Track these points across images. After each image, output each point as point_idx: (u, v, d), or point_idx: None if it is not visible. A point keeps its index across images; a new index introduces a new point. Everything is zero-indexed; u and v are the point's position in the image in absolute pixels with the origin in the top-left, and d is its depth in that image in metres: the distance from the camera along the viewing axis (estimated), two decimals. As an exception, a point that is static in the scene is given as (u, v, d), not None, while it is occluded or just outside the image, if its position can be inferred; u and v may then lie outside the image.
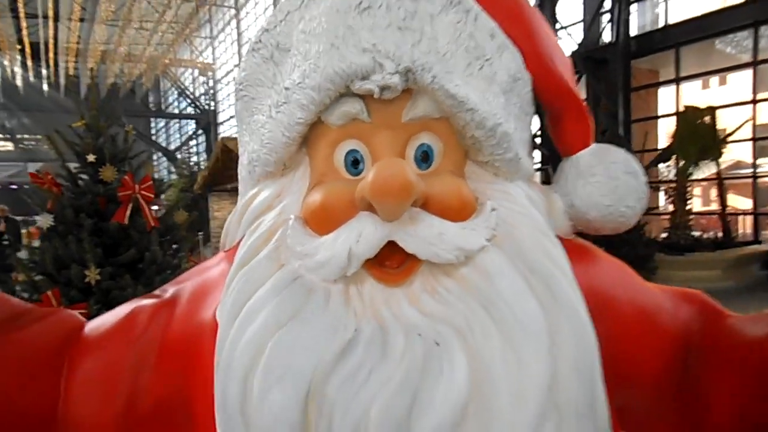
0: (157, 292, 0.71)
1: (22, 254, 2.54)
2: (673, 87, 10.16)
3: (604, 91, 9.94)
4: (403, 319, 0.53)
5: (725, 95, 11.06)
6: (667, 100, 10.57)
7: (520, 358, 0.50)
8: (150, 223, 2.40)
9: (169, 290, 0.70)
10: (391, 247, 0.53)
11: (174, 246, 2.53)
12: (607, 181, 0.68)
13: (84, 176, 2.41)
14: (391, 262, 0.54)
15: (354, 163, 0.59)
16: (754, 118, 8.51)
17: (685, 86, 10.73)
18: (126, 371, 0.62)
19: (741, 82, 9.65)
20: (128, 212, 2.32)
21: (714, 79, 16.26)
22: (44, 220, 2.27)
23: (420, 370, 0.49)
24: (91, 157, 2.39)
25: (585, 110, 0.73)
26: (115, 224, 2.28)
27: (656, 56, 9.99)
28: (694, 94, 12.91)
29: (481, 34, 0.62)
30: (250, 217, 0.65)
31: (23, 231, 9.00)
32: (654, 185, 8.81)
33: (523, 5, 0.70)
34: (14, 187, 47.78)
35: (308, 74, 0.57)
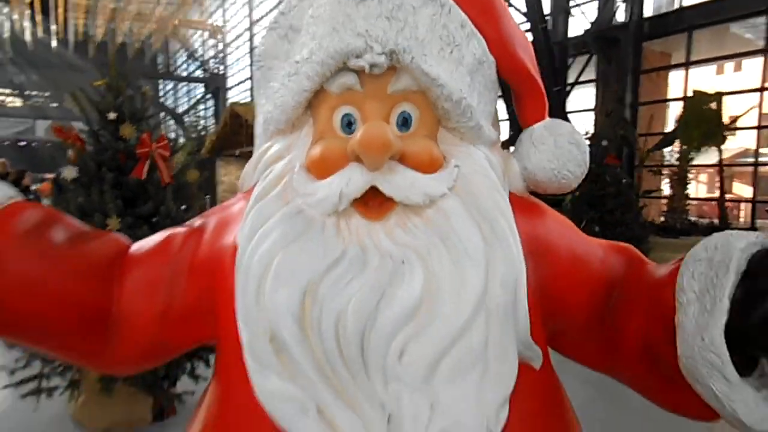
0: (187, 222, 0.89)
1: (45, 203, 2.73)
2: (684, 71, 10.09)
3: (613, 72, 9.91)
4: (379, 246, 0.69)
5: (739, 81, 10.94)
6: (677, 84, 10.52)
7: (463, 275, 0.67)
8: (165, 179, 2.58)
9: (197, 221, 0.87)
10: (373, 191, 0.69)
11: (185, 204, 2.72)
12: (554, 149, 0.84)
13: (104, 133, 2.57)
14: (373, 202, 0.71)
15: (348, 125, 0.75)
16: (760, 105, 8.51)
17: (698, 71, 10.66)
18: (164, 282, 0.79)
19: (755, 69, 9.57)
20: (146, 168, 2.50)
21: (729, 65, 16.02)
22: (69, 172, 2.46)
23: (388, 279, 0.66)
24: (111, 115, 2.56)
25: (541, 90, 0.88)
26: (134, 179, 2.46)
27: (669, 39, 9.90)
28: (708, 79, 12.76)
29: (453, 24, 0.77)
30: (263, 165, 0.82)
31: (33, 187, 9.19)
32: (656, 169, 8.87)
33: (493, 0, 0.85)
34: (23, 143, 47.86)
35: (314, 51, 0.73)
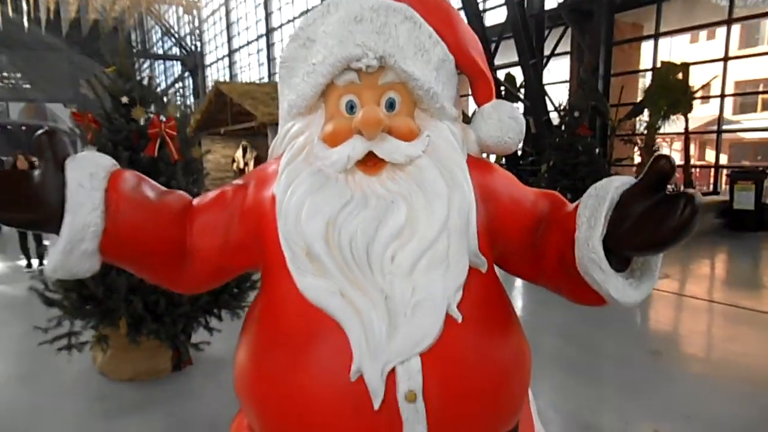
0: (234, 181, 1.21)
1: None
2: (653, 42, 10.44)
3: (587, 43, 10.22)
4: (375, 192, 1.03)
5: (712, 49, 11.29)
6: (650, 54, 10.87)
7: (432, 208, 1.01)
8: (174, 156, 2.87)
9: (241, 180, 1.20)
10: (370, 154, 1.03)
11: (193, 177, 3.02)
12: (498, 123, 1.18)
13: (117, 116, 2.83)
14: (370, 162, 1.04)
15: (350, 108, 1.08)
16: (724, 75, 8.93)
17: (672, 40, 11.00)
18: (221, 224, 1.12)
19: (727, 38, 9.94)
20: (157, 147, 2.79)
21: (703, 33, 16.41)
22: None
23: (382, 213, 1.00)
24: (124, 99, 2.82)
25: (488, 79, 1.21)
26: (146, 156, 2.74)
27: (641, 10, 10.20)
28: (682, 48, 13.03)
29: (423, 36, 1.09)
30: (288, 139, 1.14)
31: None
32: (626, 138, 9.29)
33: (451, 14, 1.18)
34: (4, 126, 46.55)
35: (327, 57, 1.05)
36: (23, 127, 45.95)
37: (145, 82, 3.01)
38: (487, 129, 1.18)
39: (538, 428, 1.26)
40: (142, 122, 2.84)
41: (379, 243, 0.99)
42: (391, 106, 1.08)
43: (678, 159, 11.20)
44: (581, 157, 7.39)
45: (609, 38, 10.04)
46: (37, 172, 0.96)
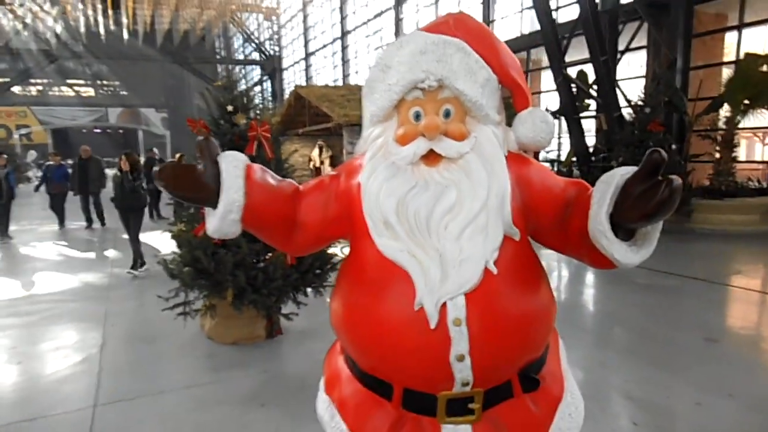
0: (329, 172, 1.64)
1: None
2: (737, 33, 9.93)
3: (664, 38, 9.92)
4: (434, 179, 1.41)
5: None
6: (733, 46, 10.33)
7: (476, 191, 1.37)
8: (268, 154, 3.39)
9: (335, 172, 1.62)
10: (431, 151, 1.41)
11: (285, 173, 3.53)
12: (532, 125, 1.52)
13: (223, 122, 3.40)
14: (431, 157, 1.42)
15: (416, 117, 1.46)
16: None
17: (759, 31, 10.39)
18: (321, 203, 1.55)
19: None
20: (255, 146, 3.32)
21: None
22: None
23: (439, 194, 1.37)
24: (230, 108, 3.38)
25: (524, 91, 1.55)
26: (247, 155, 3.27)
27: (724, 0, 9.76)
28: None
29: (472, 61, 1.46)
30: (371, 140, 1.55)
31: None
32: (704, 134, 8.96)
33: (494, 43, 1.53)
34: (98, 131, 50.73)
35: (399, 80, 1.45)
36: (120, 130, 50.19)
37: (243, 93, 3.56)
38: (524, 131, 1.52)
39: (565, 368, 1.59)
40: (242, 126, 3.38)
41: (435, 216, 1.37)
42: (447, 115, 1.45)
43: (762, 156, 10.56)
44: (653, 153, 7.29)
45: (688, 31, 9.68)
46: (200, 165, 1.42)
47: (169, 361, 3.44)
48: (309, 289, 3.58)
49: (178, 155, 1.49)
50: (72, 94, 50.48)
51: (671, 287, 5.01)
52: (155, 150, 12.01)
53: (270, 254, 3.36)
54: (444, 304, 1.30)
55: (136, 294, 5.32)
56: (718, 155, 8.27)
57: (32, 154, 36.75)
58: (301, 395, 2.87)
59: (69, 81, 47.85)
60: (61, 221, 10.42)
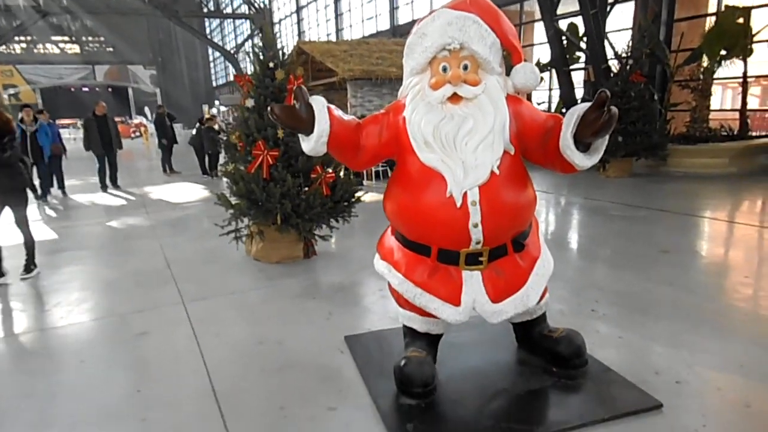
0: (381, 110, 2.34)
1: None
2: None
3: (651, -9, 10.38)
4: (457, 113, 2.13)
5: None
6: (717, -2, 10.76)
7: (486, 120, 2.10)
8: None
9: (384, 110, 2.33)
10: (455, 94, 2.12)
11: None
12: (523, 74, 2.24)
13: (265, 78, 4.03)
14: (455, 97, 2.14)
15: (444, 70, 2.17)
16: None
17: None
18: (377, 131, 2.27)
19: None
20: (293, 97, 3.97)
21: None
22: (249, 102, 4.00)
23: (461, 122, 2.10)
24: (271, 64, 4.01)
25: (519, 51, 2.25)
26: (284, 104, 3.94)
27: (708, -47, 10.17)
28: None
29: (483, 30, 2.16)
30: (410, 86, 2.26)
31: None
32: (683, 83, 9.60)
33: (499, 17, 2.21)
34: (86, 89, 49.89)
35: (433, 43, 2.15)
36: (109, 89, 49.45)
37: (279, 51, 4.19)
38: (518, 79, 2.24)
39: (542, 240, 2.37)
40: (279, 81, 4.03)
41: (459, 136, 2.10)
42: (465, 68, 2.16)
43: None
44: (633, 102, 7.99)
45: (672, -16, 10.16)
46: (298, 105, 2.12)
47: (229, 274, 4.24)
48: (339, 219, 4.34)
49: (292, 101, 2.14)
50: (57, 51, 49.50)
51: (641, 217, 5.85)
52: (164, 108, 12.25)
53: (308, 187, 4.08)
54: (465, 193, 2.05)
55: (176, 232, 6.11)
56: (694, 104, 8.95)
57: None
58: (341, 293, 3.69)
59: (54, 38, 46.87)
60: (62, 185, 9.34)
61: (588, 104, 1.98)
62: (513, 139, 2.17)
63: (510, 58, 2.30)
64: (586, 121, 1.95)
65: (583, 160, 2.05)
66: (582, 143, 2.02)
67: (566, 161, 2.08)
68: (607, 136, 2.02)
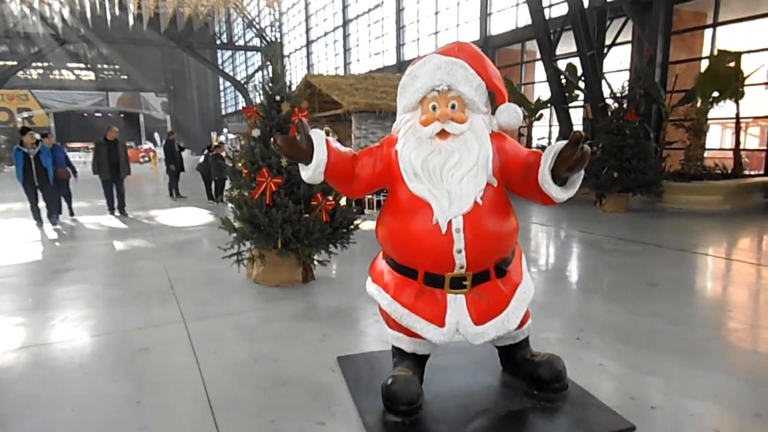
0: (376, 144, 2.54)
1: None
2: (719, 29, 10.77)
3: (647, 35, 10.78)
4: (444, 147, 2.32)
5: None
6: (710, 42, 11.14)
7: (471, 154, 2.29)
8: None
9: (378, 143, 2.52)
10: (443, 130, 2.31)
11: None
12: (506, 114, 2.43)
13: (271, 110, 4.27)
14: (442, 134, 2.33)
15: (433, 108, 2.38)
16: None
17: (735, 27, 11.21)
18: (371, 163, 2.46)
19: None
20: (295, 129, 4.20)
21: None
22: (255, 132, 4.23)
23: (447, 156, 2.29)
24: (278, 98, 4.26)
25: (503, 93, 2.45)
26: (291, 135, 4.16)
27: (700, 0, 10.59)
28: (744, 34, 12.69)
29: (469, 74, 2.37)
30: (402, 123, 2.46)
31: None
32: (678, 123, 9.87)
33: (485, 62, 2.43)
34: (99, 114, 50.94)
35: (423, 84, 2.36)
36: (121, 114, 50.52)
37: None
38: (502, 118, 2.44)
39: (524, 267, 2.53)
40: (285, 113, 4.26)
41: (446, 169, 2.28)
42: (453, 107, 2.36)
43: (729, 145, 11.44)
44: (629, 140, 8.23)
45: (667, 28, 10.56)
46: (299, 137, 2.31)
47: (230, 296, 4.38)
48: (338, 245, 4.51)
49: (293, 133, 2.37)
50: (73, 77, 50.84)
51: (634, 251, 5.99)
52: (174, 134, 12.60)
53: (308, 213, 4.26)
54: (450, 221, 2.22)
55: (180, 254, 6.27)
56: (688, 142, 9.19)
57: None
58: (337, 317, 3.82)
59: (70, 65, 48.21)
60: (71, 209, 9.40)
61: (564, 142, 2.16)
62: (496, 173, 2.35)
63: (495, 99, 2.50)
64: (562, 157, 2.13)
65: (559, 193, 2.22)
66: (559, 177, 2.20)
67: (545, 194, 2.25)
68: (582, 171, 2.20)
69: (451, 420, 2.35)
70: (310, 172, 2.33)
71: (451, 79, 2.34)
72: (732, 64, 8.86)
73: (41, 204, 8.48)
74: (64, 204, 9.20)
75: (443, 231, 2.22)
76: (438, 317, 2.33)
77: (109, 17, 28.75)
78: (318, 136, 2.33)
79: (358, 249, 4.93)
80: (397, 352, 2.58)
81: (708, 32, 11.48)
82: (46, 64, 45.74)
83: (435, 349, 2.57)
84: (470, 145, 2.31)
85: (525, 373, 2.60)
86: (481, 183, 2.29)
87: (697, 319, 3.76)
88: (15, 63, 29.40)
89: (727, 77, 8.72)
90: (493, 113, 2.52)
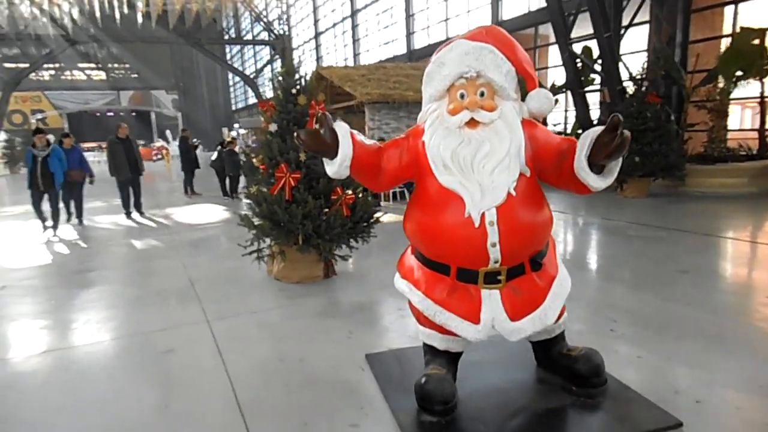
0: (401, 135, 2.45)
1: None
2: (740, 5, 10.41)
3: (665, 14, 10.47)
4: (474, 137, 2.22)
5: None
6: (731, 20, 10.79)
7: (502, 144, 2.19)
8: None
9: (404, 134, 2.43)
10: (472, 119, 2.21)
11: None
12: (537, 100, 2.32)
13: (287, 103, 4.18)
14: (472, 122, 2.23)
15: (461, 96, 2.27)
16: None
17: (762, 2, 10.83)
18: (397, 155, 2.37)
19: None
20: (315, 122, 4.11)
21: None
22: (272, 126, 4.14)
23: (478, 146, 2.19)
24: (294, 90, 4.17)
25: (533, 78, 2.34)
26: (309, 129, 4.07)
27: (723, -25, 10.23)
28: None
29: (498, 59, 2.26)
30: (429, 112, 2.36)
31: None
32: (700, 104, 9.60)
33: (514, 46, 2.31)
34: (111, 114, 51.36)
35: (451, 72, 2.25)
36: (133, 113, 50.85)
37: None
38: (532, 104, 2.33)
39: (559, 259, 2.42)
40: (301, 106, 4.17)
41: (476, 160, 2.18)
42: (482, 95, 2.26)
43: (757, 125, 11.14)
44: (649, 123, 8.01)
45: (686, 6, 10.23)
46: (323, 130, 2.22)
47: (251, 294, 4.34)
48: (359, 239, 4.43)
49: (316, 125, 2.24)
50: (84, 78, 51.19)
51: (659, 237, 5.84)
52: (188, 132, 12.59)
53: (328, 208, 4.18)
54: (483, 214, 2.13)
55: (198, 252, 6.25)
56: (711, 124, 8.93)
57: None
58: (360, 312, 3.75)
59: (81, 65, 48.49)
60: (80, 214, 8.81)
61: (601, 127, 2.05)
62: (528, 162, 2.25)
63: (525, 85, 2.39)
64: (600, 143, 2.02)
65: (597, 182, 2.11)
66: (596, 165, 2.09)
67: (581, 183, 2.14)
68: (621, 159, 2.09)
69: (489, 419, 2.28)
70: (336, 167, 2.24)
71: (480, 65, 2.23)
72: (756, 42, 8.56)
73: (45, 207, 7.90)
74: (72, 208, 8.69)
75: (476, 224, 2.13)
76: (473, 314, 2.24)
77: (118, 16, 28.80)
78: (342, 129, 2.25)
79: (375, 242, 4.85)
80: (429, 349, 2.51)
81: (729, 9, 11.13)
82: (57, 65, 46.04)
83: (468, 347, 2.49)
84: (501, 134, 2.20)
85: (562, 368, 2.51)
86: (514, 173, 2.18)
87: (732, 306, 3.63)
88: (27, 65, 29.61)
89: (751, 55, 8.43)
90: (522, 99, 2.42)
